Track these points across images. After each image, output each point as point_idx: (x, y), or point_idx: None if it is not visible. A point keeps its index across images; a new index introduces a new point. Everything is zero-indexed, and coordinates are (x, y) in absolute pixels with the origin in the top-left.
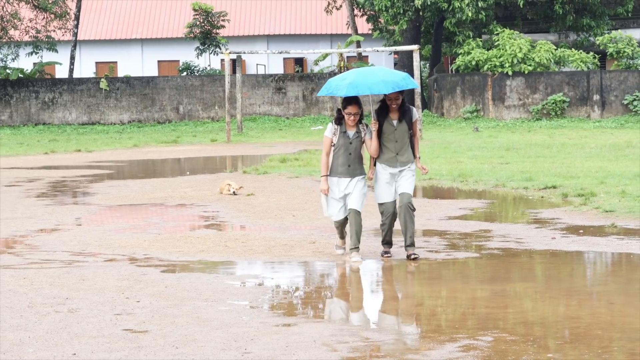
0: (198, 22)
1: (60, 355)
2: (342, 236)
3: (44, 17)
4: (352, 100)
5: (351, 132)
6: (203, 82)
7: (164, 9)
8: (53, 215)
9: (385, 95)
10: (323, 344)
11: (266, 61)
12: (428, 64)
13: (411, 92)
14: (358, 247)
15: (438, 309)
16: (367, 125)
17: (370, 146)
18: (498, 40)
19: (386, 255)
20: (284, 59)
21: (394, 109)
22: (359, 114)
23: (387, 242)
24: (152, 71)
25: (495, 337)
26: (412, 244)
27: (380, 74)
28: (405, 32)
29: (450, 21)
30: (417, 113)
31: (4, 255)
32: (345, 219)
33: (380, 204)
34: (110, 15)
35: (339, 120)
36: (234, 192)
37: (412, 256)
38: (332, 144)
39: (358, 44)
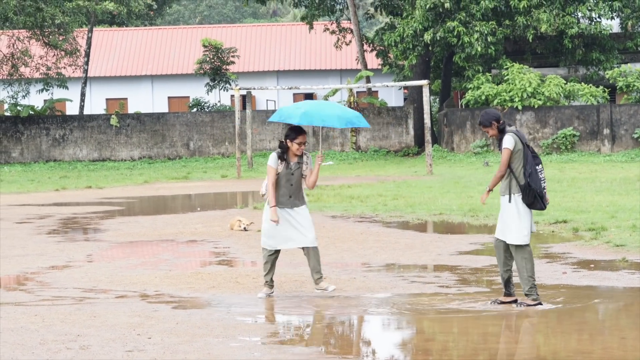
0: (208, 58)
1: None
2: (271, 281)
3: (54, 54)
4: (301, 130)
5: (293, 161)
6: (213, 118)
7: (173, 45)
8: (64, 252)
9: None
10: None
11: (276, 97)
12: (438, 99)
13: (422, 126)
14: (322, 276)
15: (450, 344)
16: (309, 157)
17: (309, 178)
18: (507, 74)
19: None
20: (294, 94)
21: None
22: (305, 143)
23: (506, 282)
24: (163, 107)
25: None
26: (529, 293)
27: (335, 108)
28: (415, 67)
29: (459, 56)
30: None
31: (16, 292)
32: (277, 252)
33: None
34: (121, 51)
35: (283, 153)
36: (244, 228)
37: (521, 304)
38: (277, 173)
39: (368, 79)
